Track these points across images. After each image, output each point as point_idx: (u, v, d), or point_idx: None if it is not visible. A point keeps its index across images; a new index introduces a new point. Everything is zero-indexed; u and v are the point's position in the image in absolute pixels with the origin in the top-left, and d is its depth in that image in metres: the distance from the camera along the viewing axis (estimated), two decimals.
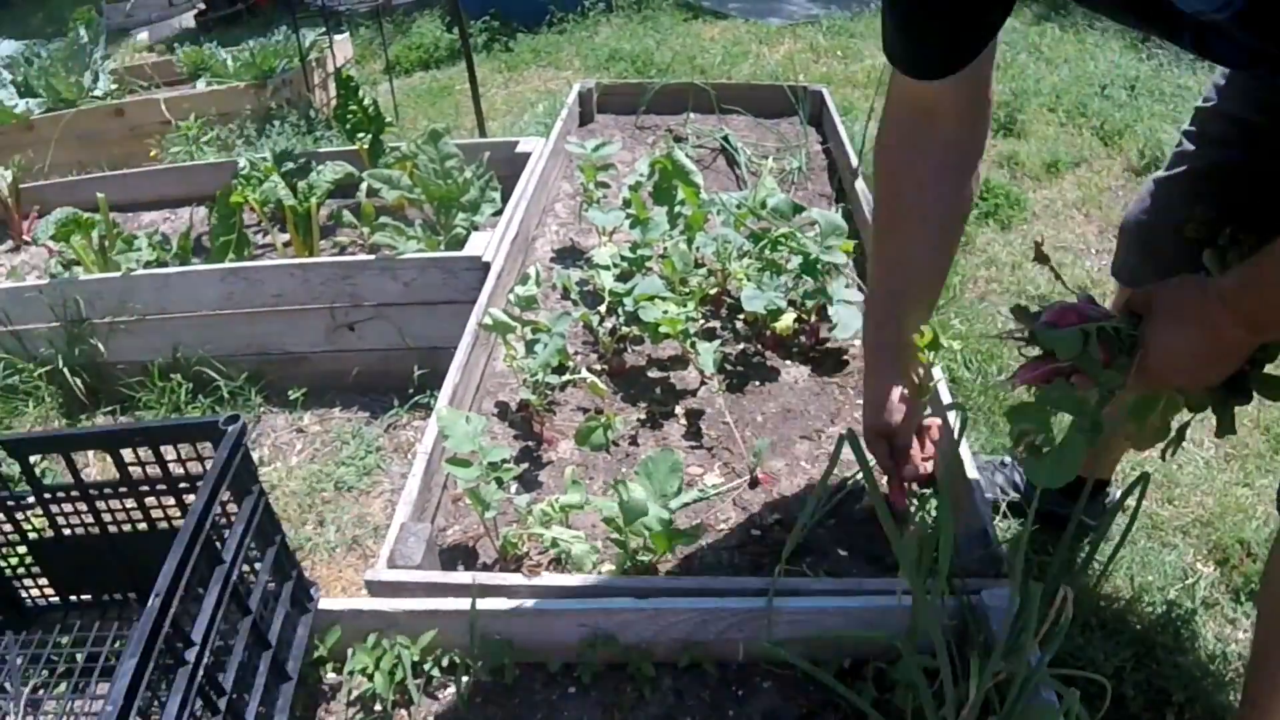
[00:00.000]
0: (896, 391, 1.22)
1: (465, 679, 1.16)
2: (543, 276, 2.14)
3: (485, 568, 1.43)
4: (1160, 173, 1.33)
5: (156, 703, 0.88)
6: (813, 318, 1.93)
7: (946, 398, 1.54)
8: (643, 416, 1.73)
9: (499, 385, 1.83)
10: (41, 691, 1.32)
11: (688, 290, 1.93)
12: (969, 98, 1.11)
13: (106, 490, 1.30)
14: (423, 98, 4.41)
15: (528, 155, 2.49)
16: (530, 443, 1.68)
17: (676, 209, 2.05)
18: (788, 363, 1.87)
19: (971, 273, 2.65)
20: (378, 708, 1.16)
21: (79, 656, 1.36)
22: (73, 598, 1.46)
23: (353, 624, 1.20)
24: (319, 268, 2.07)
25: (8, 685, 1.32)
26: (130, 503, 1.30)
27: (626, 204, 2.17)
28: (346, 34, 4.49)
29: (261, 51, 3.89)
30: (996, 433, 1.97)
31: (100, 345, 2.13)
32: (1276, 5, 0.79)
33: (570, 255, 2.27)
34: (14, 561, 1.42)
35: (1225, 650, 1.51)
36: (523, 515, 1.37)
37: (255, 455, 1.93)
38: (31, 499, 1.32)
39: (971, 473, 1.36)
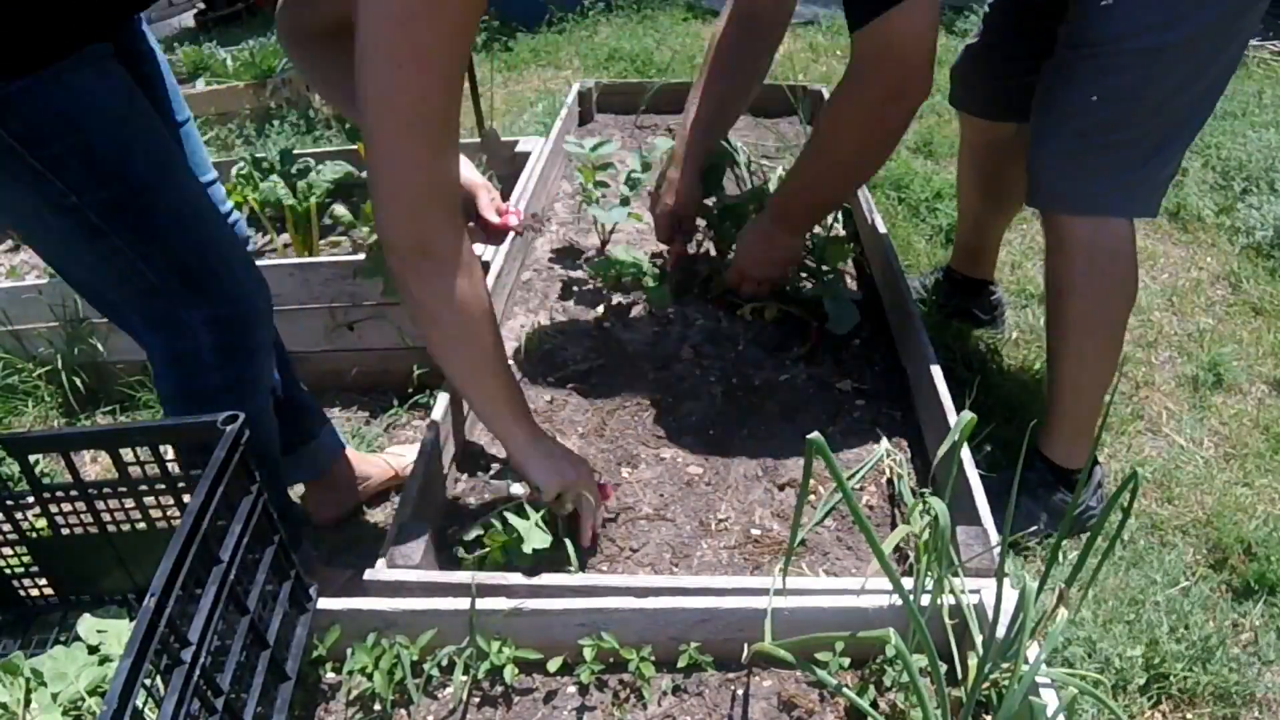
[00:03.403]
0: (692, 186, 1.88)
1: (464, 679, 1.16)
2: (543, 276, 2.14)
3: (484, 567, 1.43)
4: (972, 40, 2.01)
5: (152, 702, 0.88)
6: (812, 320, 1.93)
7: (947, 398, 1.54)
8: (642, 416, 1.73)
9: None
10: None
11: None
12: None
13: (106, 490, 1.29)
14: None
15: (527, 155, 2.49)
16: None
17: None
18: (787, 363, 1.87)
19: None
20: (377, 707, 1.16)
21: None
22: (72, 598, 1.46)
23: (352, 624, 1.20)
24: (319, 268, 2.07)
25: None
26: (129, 502, 1.30)
27: (625, 201, 2.17)
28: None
29: (261, 51, 3.89)
30: (997, 427, 1.97)
31: (99, 345, 2.13)
32: None
33: (570, 255, 2.27)
34: (14, 561, 1.42)
35: (1226, 650, 1.51)
36: None
37: None
38: (31, 499, 1.32)
39: (971, 473, 1.36)
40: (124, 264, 1.23)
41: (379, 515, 1.88)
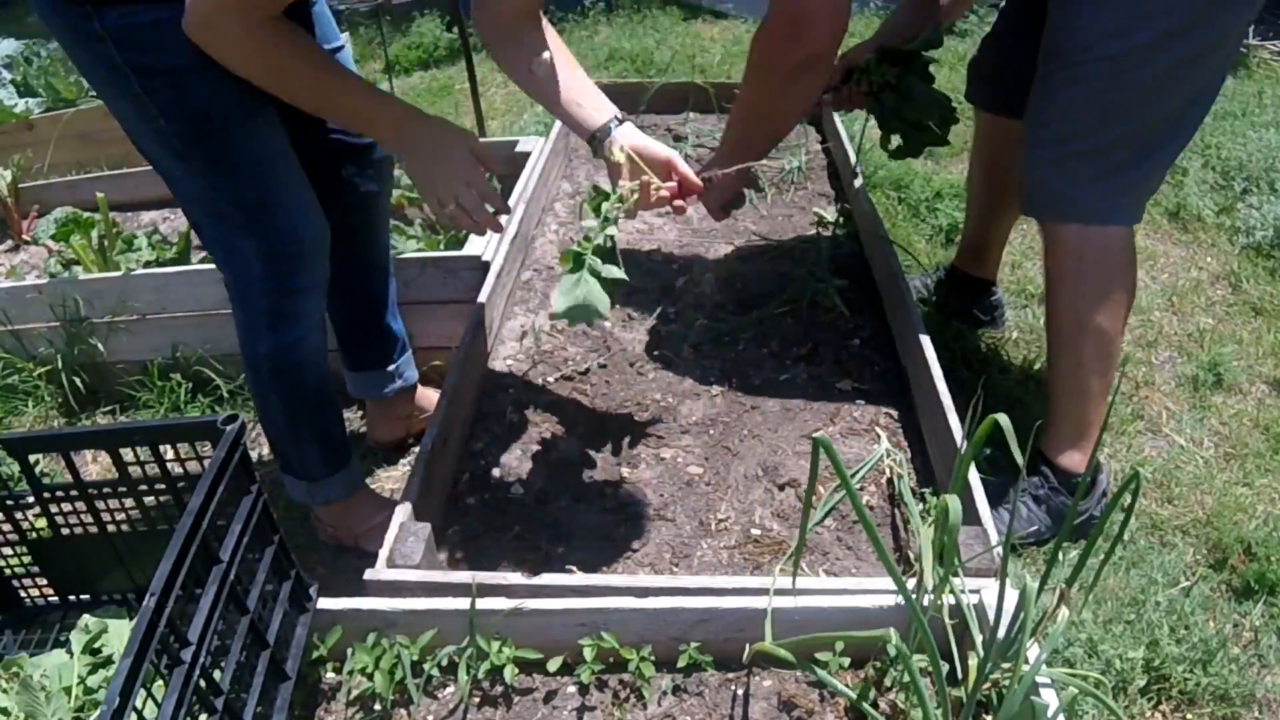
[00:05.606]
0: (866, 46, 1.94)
1: (464, 678, 1.16)
2: (543, 276, 2.14)
3: (485, 567, 1.43)
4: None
5: (153, 702, 0.88)
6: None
7: (947, 398, 1.54)
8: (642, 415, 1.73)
9: (498, 385, 1.83)
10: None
11: None
12: None
13: (106, 490, 1.29)
14: (422, 97, 4.41)
15: (527, 155, 2.49)
16: (530, 442, 1.68)
17: None
18: (787, 362, 1.87)
19: None
20: (377, 707, 1.16)
21: None
22: (72, 598, 1.46)
23: (352, 624, 1.20)
24: None
25: None
26: (129, 502, 1.30)
27: None
28: (346, 33, 4.47)
29: None
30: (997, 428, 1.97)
31: (99, 345, 2.12)
32: None
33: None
34: (14, 561, 1.42)
35: (1226, 651, 1.51)
36: None
37: (254, 455, 1.92)
38: (31, 499, 1.32)
39: (972, 474, 1.36)
40: (202, 186, 1.35)
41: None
